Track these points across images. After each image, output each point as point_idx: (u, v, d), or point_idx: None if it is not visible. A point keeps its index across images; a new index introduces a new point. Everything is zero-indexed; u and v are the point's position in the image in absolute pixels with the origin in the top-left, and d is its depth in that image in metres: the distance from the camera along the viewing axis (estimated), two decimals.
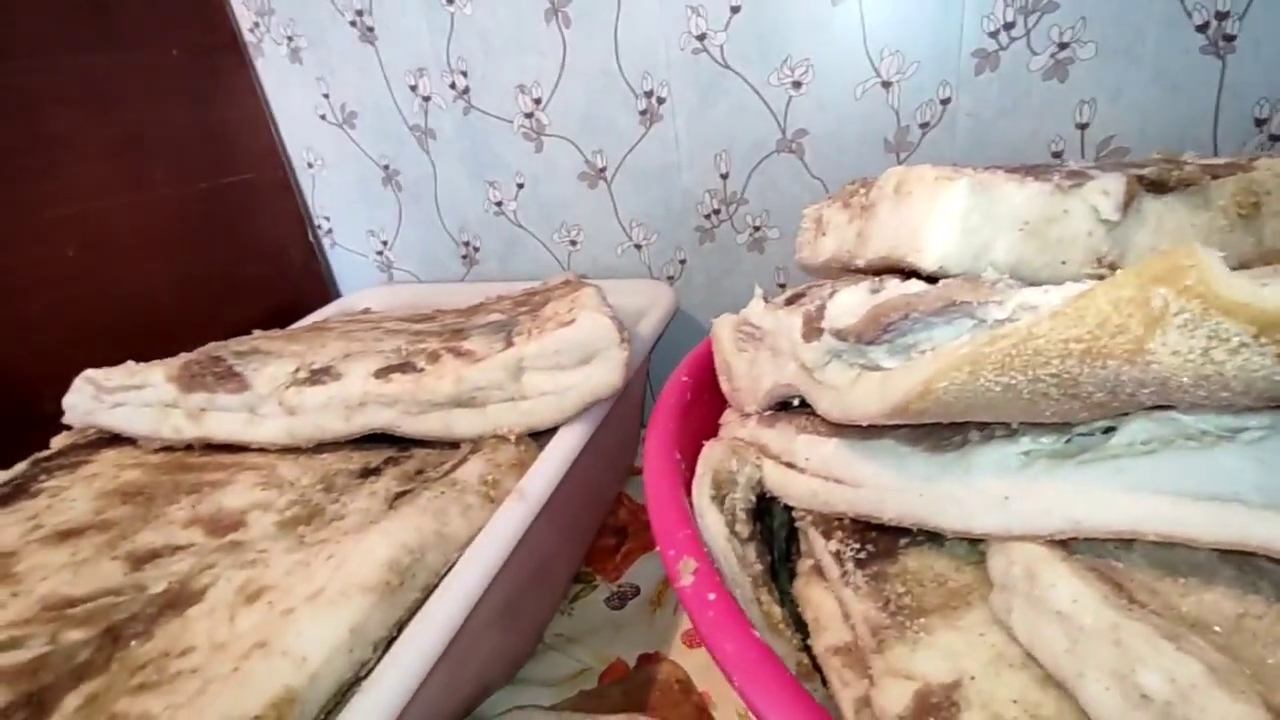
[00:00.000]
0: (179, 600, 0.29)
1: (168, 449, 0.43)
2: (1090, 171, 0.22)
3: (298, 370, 0.40)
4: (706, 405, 0.42)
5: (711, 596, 0.26)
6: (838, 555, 0.30)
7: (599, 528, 0.56)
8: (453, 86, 0.63)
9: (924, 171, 0.23)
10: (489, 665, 0.41)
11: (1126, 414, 0.21)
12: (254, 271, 0.70)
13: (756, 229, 0.60)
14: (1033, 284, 0.23)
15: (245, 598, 0.29)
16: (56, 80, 0.53)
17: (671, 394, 0.41)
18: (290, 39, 0.66)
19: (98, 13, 0.55)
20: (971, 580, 0.28)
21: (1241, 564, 0.22)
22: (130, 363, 0.43)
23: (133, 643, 0.27)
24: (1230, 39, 0.44)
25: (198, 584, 0.30)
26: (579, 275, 0.64)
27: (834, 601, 0.31)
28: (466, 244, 0.71)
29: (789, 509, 0.37)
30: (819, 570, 0.33)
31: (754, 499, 0.35)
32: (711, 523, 0.33)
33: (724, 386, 0.41)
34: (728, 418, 0.42)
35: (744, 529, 0.34)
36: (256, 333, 0.52)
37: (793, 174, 0.57)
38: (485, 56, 0.60)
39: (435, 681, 0.31)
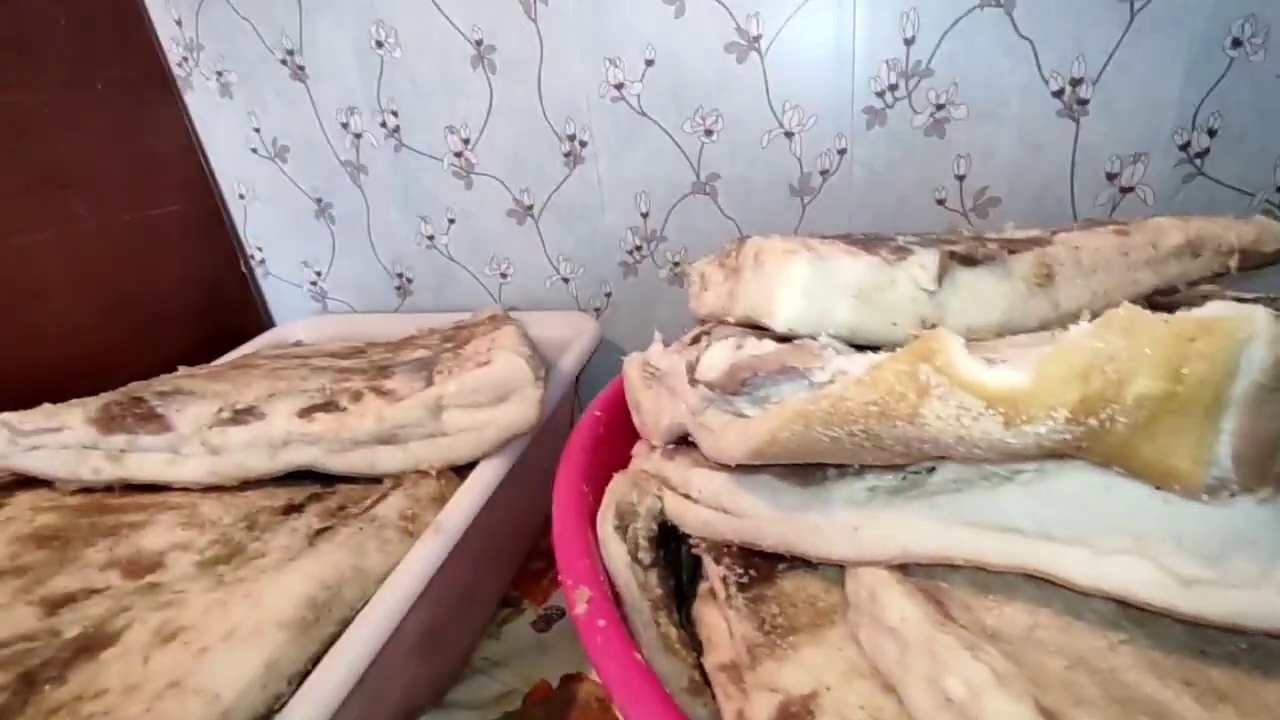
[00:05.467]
0: (94, 644, 0.30)
1: (86, 490, 0.43)
2: (912, 247, 0.26)
3: (221, 410, 0.42)
4: (621, 437, 0.45)
5: (601, 623, 0.29)
6: (724, 580, 0.34)
7: (527, 553, 0.58)
8: (383, 125, 0.65)
9: (775, 244, 0.26)
10: (411, 691, 0.43)
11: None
12: (184, 302, 0.70)
13: (676, 264, 0.64)
14: (869, 343, 0.27)
15: (161, 639, 0.30)
16: None
17: (584, 429, 0.43)
18: (220, 74, 0.67)
19: (20, 52, 0.56)
20: (839, 600, 0.31)
21: (1040, 583, 0.26)
22: (46, 405, 0.44)
23: (46, 687, 0.28)
24: (1084, 103, 0.50)
25: (113, 626, 0.31)
26: (506, 308, 0.66)
27: (724, 621, 0.34)
28: (400, 275, 0.73)
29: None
30: (713, 593, 0.36)
31: (656, 528, 0.38)
32: (615, 552, 0.36)
33: (635, 420, 0.44)
34: (639, 449, 0.44)
35: (646, 556, 0.37)
36: (181, 370, 0.53)
37: (708, 214, 0.61)
38: (415, 98, 0.62)
39: (351, 711, 0.33)
